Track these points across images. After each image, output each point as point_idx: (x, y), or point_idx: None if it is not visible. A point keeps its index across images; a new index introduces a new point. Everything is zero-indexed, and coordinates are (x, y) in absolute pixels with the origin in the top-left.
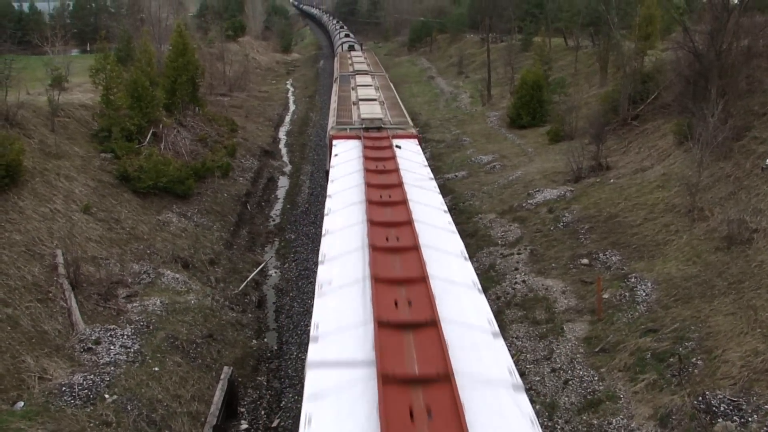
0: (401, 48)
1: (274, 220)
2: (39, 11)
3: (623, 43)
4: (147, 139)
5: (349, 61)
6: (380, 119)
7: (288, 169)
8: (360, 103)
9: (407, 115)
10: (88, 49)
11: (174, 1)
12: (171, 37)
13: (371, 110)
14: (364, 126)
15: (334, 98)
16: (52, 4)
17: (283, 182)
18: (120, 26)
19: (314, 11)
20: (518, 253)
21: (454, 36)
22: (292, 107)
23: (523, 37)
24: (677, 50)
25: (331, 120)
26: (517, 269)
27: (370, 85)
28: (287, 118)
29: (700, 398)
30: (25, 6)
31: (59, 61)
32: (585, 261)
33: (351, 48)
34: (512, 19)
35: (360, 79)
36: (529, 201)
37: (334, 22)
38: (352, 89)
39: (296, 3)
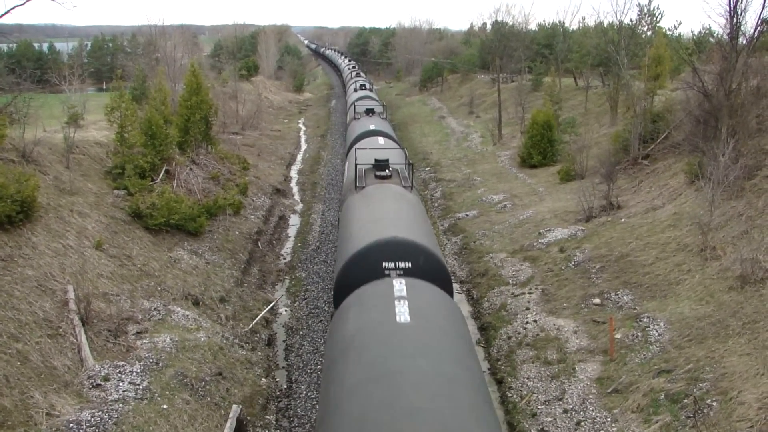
0: (412, 88)
1: (284, 258)
2: (58, 51)
3: (633, 83)
4: (160, 177)
5: None
6: None
7: (299, 207)
8: None
9: None
10: (104, 87)
11: (189, 42)
12: (185, 77)
13: None
14: None
15: None
16: (70, 44)
17: (294, 220)
18: (135, 65)
19: (340, 60)
20: (529, 293)
21: (465, 76)
22: (303, 146)
23: (533, 78)
24: (687, 90)
25: None
26: (528, 309)
27: None
28: (299, 157)
29: None
30: (45, 46)
31: (76, 99)
32: (597, 301)
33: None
34: (522, 59)
35: None
36: (540, 240)
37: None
38: None
39: (313, 46)
